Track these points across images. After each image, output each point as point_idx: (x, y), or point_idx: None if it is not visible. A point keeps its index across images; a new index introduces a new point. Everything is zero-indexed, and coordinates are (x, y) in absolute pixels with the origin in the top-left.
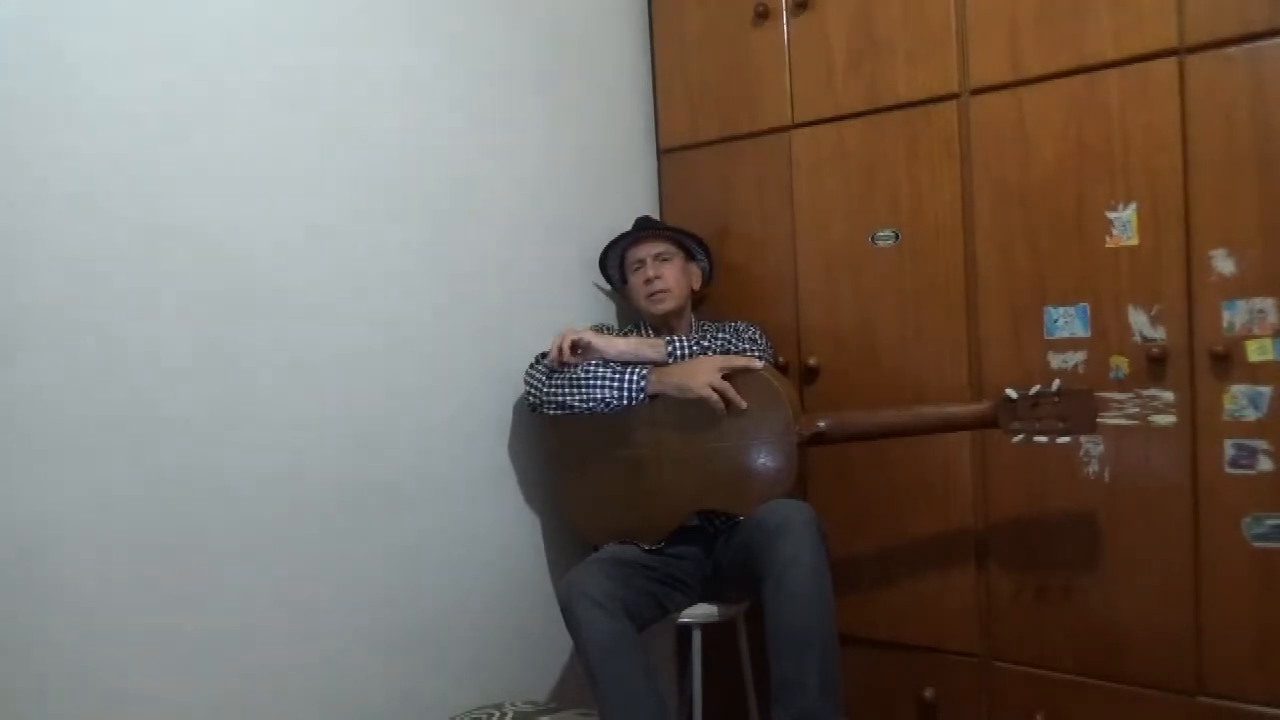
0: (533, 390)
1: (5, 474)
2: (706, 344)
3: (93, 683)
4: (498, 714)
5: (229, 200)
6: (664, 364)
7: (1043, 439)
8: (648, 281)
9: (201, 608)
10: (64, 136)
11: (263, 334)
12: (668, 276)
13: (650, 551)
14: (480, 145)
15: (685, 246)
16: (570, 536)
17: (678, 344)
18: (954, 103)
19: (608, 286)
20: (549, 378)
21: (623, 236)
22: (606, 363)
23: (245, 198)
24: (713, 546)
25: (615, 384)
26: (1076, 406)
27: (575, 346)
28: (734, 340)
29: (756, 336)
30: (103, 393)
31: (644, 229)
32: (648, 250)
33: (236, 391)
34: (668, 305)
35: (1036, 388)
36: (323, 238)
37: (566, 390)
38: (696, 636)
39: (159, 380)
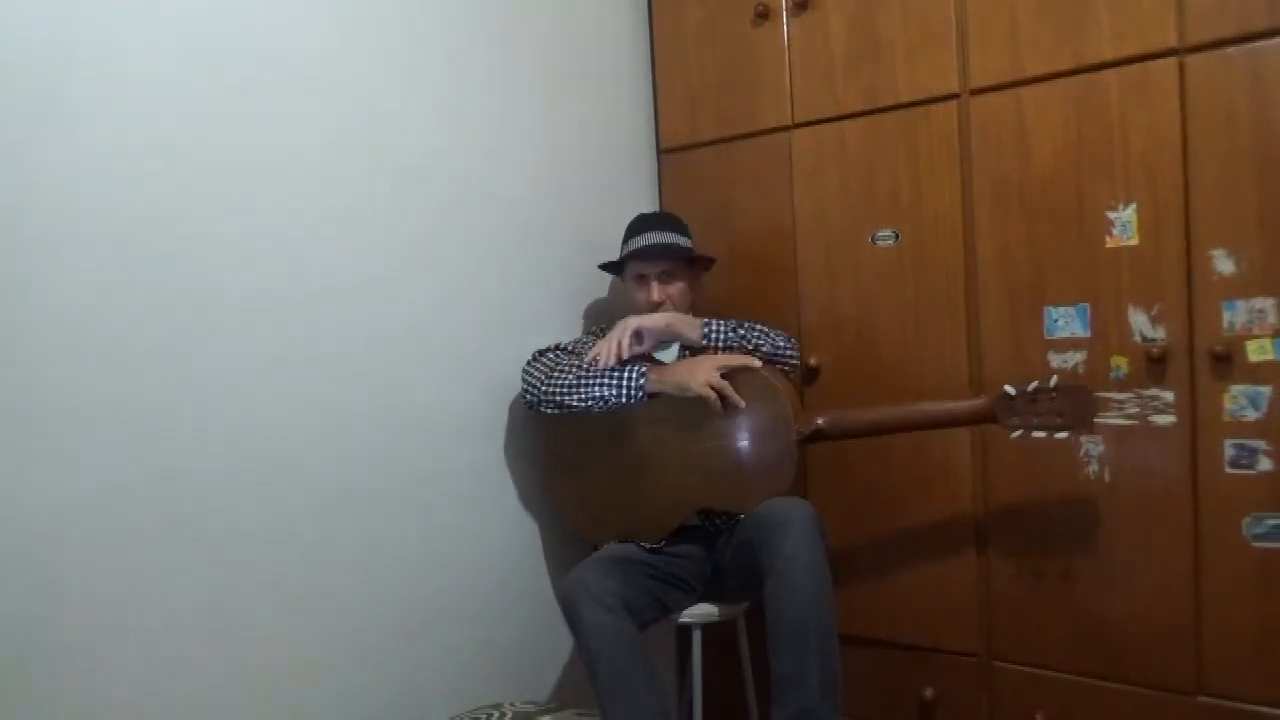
0: (530, 388)
1: (7, 470)
2: (743, 332)
3: (93, 678)
4: (498, 714)
5: (232, 201)
6: (698, 343)
7: (1041, 434)
8: (654, 303)
9: (201, 607)
10: (67, 135)
11: (264, 334)
12: (673, 297)
13: (651, 550)
14: (481, 146)
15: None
16: (570, 536)
17: (713, 326)
18: (954, 103)
19: (609, 282)
20: (548, 375)
21: (634, 239)
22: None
23: (249, 199)
24: (713, 545)
25: (614, 382)
26: (1074, 402)
27: (639, 336)
28: (763, 339)
29: (786, 342)
30: (104, 391)
31: (651, 228)
32: (653, 267)
33: (237, 391)
34: None
35: (1035, 383)
36: (325, 239)
37: (565, 388)
38: (696, 636)
39: (160, 378)
